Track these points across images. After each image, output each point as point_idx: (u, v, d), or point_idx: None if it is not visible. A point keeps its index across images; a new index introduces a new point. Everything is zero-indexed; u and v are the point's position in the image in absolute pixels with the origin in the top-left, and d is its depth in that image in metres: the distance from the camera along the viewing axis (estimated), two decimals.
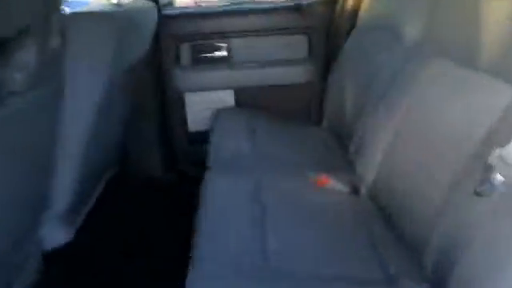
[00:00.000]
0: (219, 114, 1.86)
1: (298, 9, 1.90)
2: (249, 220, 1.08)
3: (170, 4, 1.99)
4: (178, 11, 1.93)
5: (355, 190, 1.39)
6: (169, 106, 1.99)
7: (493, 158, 0.71)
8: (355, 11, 1.78)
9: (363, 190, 1.35)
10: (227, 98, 2.00)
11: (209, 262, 0.90)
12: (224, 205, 1.17)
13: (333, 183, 1.38)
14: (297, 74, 1.99)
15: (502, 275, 0.66)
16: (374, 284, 0.89)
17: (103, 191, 1.56)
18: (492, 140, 0.78)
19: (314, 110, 2.02)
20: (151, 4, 1.65)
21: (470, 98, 0.94)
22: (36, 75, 0.84)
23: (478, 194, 0.73)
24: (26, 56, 0.81)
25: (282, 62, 1.98)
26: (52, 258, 1.22)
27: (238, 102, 2.00)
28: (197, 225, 1.07)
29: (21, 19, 0.79)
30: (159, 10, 1.79)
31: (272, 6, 1.97)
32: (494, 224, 0.71)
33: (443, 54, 1.10)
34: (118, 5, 1.28)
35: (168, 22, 1.83)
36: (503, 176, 0.68)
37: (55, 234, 1.22)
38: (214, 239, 1.00)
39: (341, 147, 1.63)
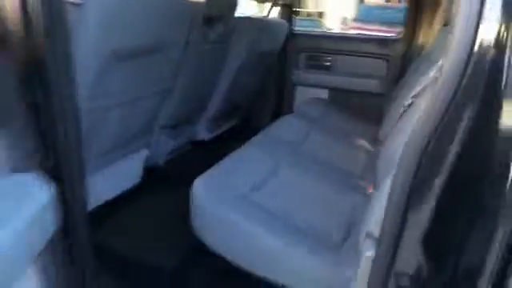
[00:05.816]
0: (308, 100, 2.75)
1: (380, 41, 2.73)
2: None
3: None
4: (301, 32, 2.92)
5: None
6: (284, 94, 3.01)
7: None
8: (420, 47, 2.55)
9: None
10: (323, 94, 2.93)
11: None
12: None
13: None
14: (374, 86, 2.78)
15: None
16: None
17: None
18: None
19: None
20: (283, 21, 2.70)
21: None
22: (220, 36, 1.94)
23: None
24: (219, 27, 1.90)
25: (365, 75, 2.79)
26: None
27: (330, 98, 2.92)
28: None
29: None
30: (291, 29, 2.81)
31: (364, 36, 2.85)
32: None
33: None
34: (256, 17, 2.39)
35: (294, 38, 2.84)
36: None
37: (204, 131, 2.30)
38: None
39: None
